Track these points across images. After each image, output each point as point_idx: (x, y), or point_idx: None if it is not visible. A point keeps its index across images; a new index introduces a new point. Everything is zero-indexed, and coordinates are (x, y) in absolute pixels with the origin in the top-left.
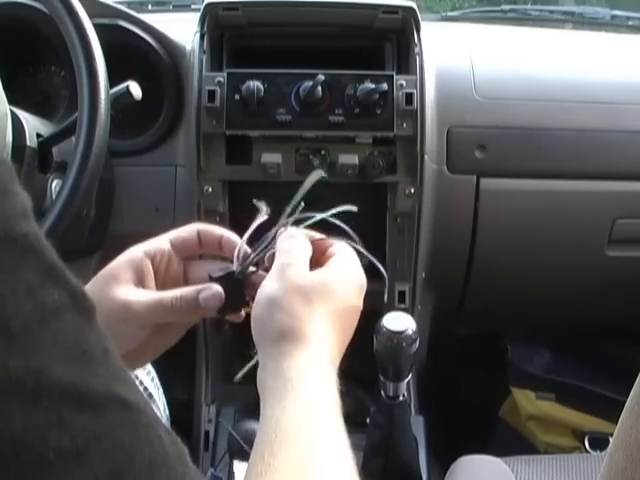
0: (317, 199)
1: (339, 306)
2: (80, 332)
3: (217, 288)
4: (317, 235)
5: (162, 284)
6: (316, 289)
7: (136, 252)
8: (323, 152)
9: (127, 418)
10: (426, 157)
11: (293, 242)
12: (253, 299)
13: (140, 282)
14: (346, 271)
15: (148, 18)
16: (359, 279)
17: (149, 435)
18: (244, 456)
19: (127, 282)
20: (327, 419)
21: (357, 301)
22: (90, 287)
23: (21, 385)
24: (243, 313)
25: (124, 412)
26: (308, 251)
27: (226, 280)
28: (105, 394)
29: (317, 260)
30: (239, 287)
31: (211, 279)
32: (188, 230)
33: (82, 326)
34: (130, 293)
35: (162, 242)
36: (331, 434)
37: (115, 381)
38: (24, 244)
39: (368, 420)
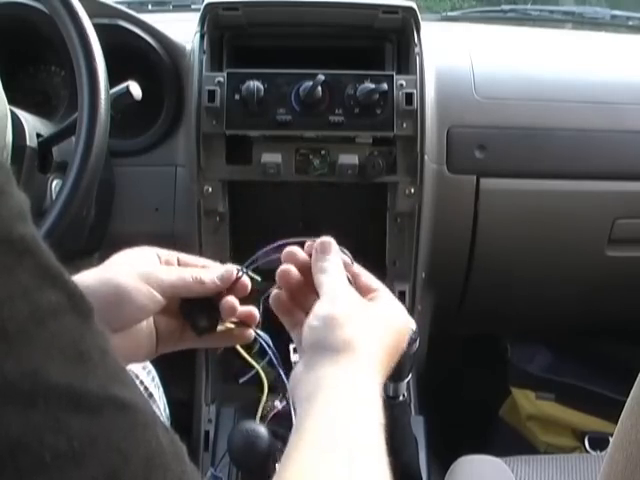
0: (318, 199)
1: (389, 338)
2: (77, 333)
3: (232, 271)
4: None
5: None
6: (375, 316)
7: (151, 251)
8: (323, 152)
9: (124, 419)
10: (426, 157)
11: (336, 265)
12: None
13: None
14: (396, 310)
15: (148, 18)
16: (408, 320)
17: (146, 435)
18: (244, 456)
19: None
20: (362, 426)
21: (403, 341)
22: (114, 258)
23: (17, 387)
24: (222, 328)
25: (121, 413)
26: (342, 270)
27: (200, 301)
28: (102, 395)
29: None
30: (214, 307)
31: (183, 302)
32: (197, 262)
33: (79, 327)
34: (157, 266)
35: (172, 257)
36: (361, 440)
37: (112, 382)
38: (21, 246)
39: None
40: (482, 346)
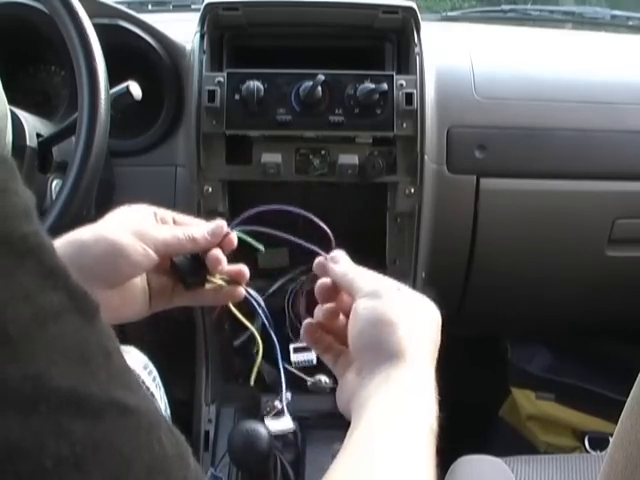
0: (318, 199)
1: (431, 332)
2: (80, 335)
3: (223, 226)
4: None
5: None
6: (419, 312)
7: (147, 209)
8: (323, 152)
9: (127, 423)
10: (426, 157)
11: (351, 266)
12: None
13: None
14: (424, 304)
15: (148, 18)
16: (436, 312)
17: (149, 439)
18: (244, 456)
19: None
20: (408, 436)
21: (438, 332)
22: (110, 216)
23: (19, 392)
24: (208, 286)
25: (124, 417)
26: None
27: (190, 259)
28: (105, 399)
29: None
30: (202, 264)
31: (172, 262)
32: (191, 222)
33: (83, 329)
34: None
35: (167, 216)
36: (404, 452)
37: (116, 384)
38: (23, 246)
39: None
40: (482, 346)
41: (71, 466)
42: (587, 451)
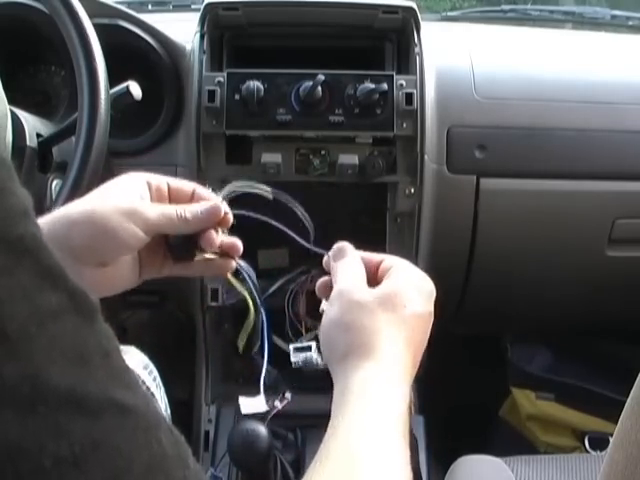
0: (318, 199)
1: (406, 315)
2: (79, 335)
3: (219, 207)
4: (364, 253)
5: None
6: (380, 302)
7: (138, 177)
8: (323, 152)
9: (125, 422)
10: (426, 157)
11: (346, 265)
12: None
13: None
14: (409, 280)
15: (148, 18)
16: (425, 285)
17: (148, 439)
18: (244, 456)
19: (135, 195)
20: (382, 432)
21: (425, 307)
22: (84, 200)
23: (17, 391)
24: (199, 258)
25: (123, 416)
26: (362, 269)
27: (182, 237)
28: (103, 398)
29: (372, 278)
30: (194, 241)
31: (169, 244)
32: (186, 185)
33: (81, 329)
34: (143, 202)
35: (162, 182)
36: (383, 447)
37: (114, 384)
38: (20, 246)
39: None
40: (482, 346)
41: (70, 465)
42: (587, 451)
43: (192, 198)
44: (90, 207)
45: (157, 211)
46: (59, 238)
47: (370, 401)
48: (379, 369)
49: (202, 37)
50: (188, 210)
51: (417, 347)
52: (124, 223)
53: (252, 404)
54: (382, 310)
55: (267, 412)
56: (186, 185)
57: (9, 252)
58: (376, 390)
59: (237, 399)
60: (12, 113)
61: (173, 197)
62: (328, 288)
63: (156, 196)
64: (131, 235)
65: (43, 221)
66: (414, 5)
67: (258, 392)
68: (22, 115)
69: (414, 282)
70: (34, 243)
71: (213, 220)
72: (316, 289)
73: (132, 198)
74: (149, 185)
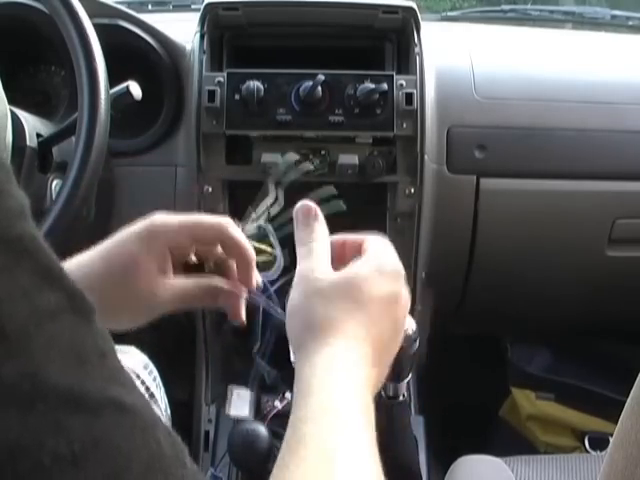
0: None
1: (364, 299)
2: (77, 335)
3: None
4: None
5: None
6: (337, 288)
7: (157, 242)
8: (323, 152)
9: (124, 421)
10: (426, 157)
11: (311, 243)
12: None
13: (161, 270)
14: (371, 262)
15: (148, 18)
16: (388, 266)
17: (146, 438)
18: (244, 456)
19: (150, 272)
20: (341, 421)
21: (388, 288)
22: (102, 267)
23: (16, 390)
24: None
25: (121, 415)
26: (326, 247)
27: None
28: (102, 397)
29: (339, 257)
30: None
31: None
32: (214, 229)
33: (79, 328)
34: (157, 285)
35: (184, 237)
36: (344, 434)
37: (112, 384)
38: (19, 246)
39: None
40: (482, 346)
41: (69, 463)
42: (587, 451)
43: (221, 241)
44: (105, 287)
45: (177, 294)
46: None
47: (319, 388)
48: (335, 356)
49: (202, 37)
50: (219, 286)
51: (382, 330)
52: (138, 309)
53: (236, 408)
54: (339, 297)
55: (267, 412)
56: (213, 225)
57: (8, 252)
58: (335, 378)
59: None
60: (12, 113)
61: (199, 242)
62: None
63: (179, 253)
64: (147, 317)
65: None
66: (414, 5)
67: (259, 392)
68: (22, 115)
69: (376, 263)
70: (33, 243)
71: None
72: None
73: (148, 282)
74: (169, 247)
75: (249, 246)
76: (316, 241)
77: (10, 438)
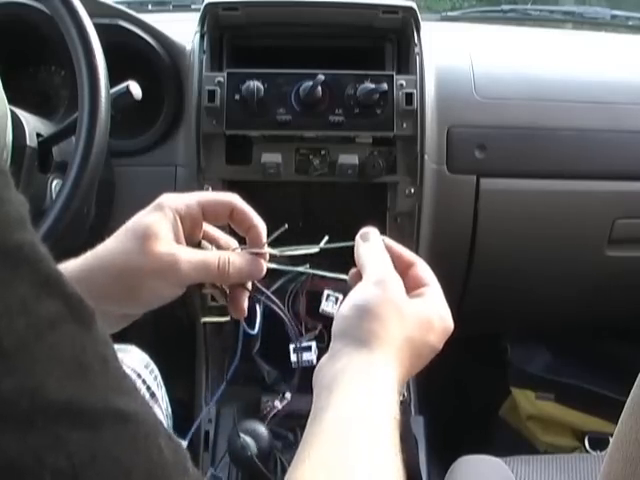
0: (319, 199)
1: (426, 342)
2: (77, 343)
3: (262, 264)
4: (392, 242)
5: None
6: (415, 319)
7: (168, 210)
8: (323, 152)
9: (125, 431)
10: (426, 157)
11: (373, 250)
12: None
13: (177, 239)
14: (439, 312)
15: (148, 18)
16: (448, 323)
17: (148, 446)
18: (244, 456)
19: (168, 239)
20: (370, 421)
21: (438, 343)
22: (116, 243)
23: (15, 406)
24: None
25: (122, 425)
26: (387, 256)
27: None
28: (102, 408)
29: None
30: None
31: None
32: (224, 204)
33: (79, 336)
34: (178, 250)
35: (194, 208)
36: (369, 437)
37: (113, 392)
38: (18, 256)
39: None
40: (482, 346)
41: (69, 478)
42: (587, 451)
43: (232, 215)
44: (120, 264)
45: (193, 263)
46: (88, 286)
47: (359, 390)
48: (383, 368)
49: (202, 37)
50: (232, 263)
51: (410, 369)
52: (157, 285)
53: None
54: (412, 326)
55: (267, 412)
56: (222, 200)
57: (6, 262)
58: (377, 377)
59: (237, 399)
60: (12, 113)
61: (210, 217)
62: (359, 276)
63: (189, 226)
64: (164, 296)
65: (73, 267)
66: (414, 5)
67: (259, 392)
68: (22, 115)
69: (444, 315)
70: (31, 252)
71: (255, 277)
72: (348, 279)
73: (167, 248)
74: (180, 217)
75: (259, 217)
76: (377, 250)
77: (9, 455)
